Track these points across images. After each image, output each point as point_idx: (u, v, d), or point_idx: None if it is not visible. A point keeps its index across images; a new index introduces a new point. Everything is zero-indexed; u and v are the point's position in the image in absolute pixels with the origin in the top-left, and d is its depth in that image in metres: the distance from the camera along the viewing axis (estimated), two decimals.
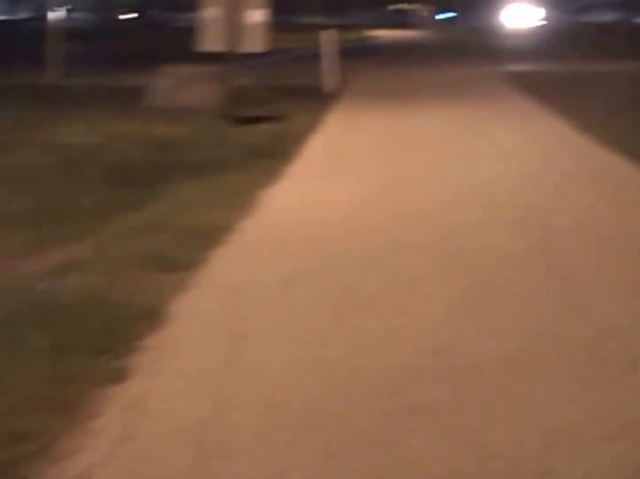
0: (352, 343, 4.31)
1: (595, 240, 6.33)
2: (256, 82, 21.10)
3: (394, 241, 6.38)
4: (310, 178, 8.95)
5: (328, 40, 19.14)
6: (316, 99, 17.23)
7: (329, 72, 19.02)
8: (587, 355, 4.12)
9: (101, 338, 4.25)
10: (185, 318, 4.68)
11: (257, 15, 13.10)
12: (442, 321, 4.62)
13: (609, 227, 6.70)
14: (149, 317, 4.61)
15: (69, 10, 36.57)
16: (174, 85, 16.09)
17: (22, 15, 77.34)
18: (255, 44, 13.11)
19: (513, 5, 74.44)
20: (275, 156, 10.16)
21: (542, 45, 38.50)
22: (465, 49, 37.36)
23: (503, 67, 25.72)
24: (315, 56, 20.56)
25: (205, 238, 6.29)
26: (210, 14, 13.10)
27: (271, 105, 16.00)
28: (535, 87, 18.35)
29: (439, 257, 5.93)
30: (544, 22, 70.91)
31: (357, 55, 32.67)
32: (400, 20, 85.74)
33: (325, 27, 57.50)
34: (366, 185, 8.51)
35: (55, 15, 22.63)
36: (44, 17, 24.44)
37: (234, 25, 12.97)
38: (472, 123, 13.38)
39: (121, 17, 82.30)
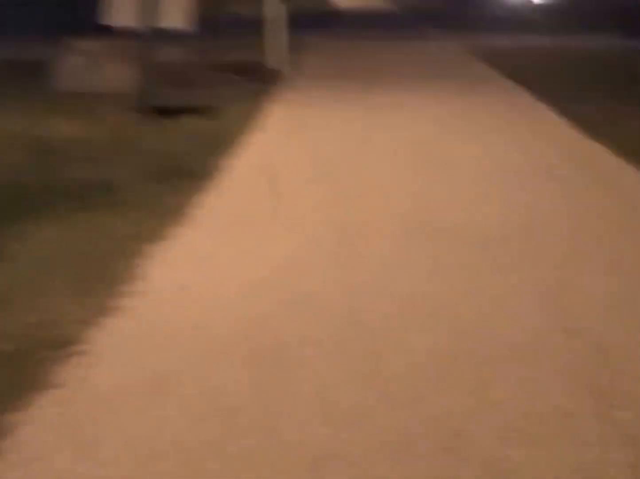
0: None
1: None
2: (189, 57, 18.42)
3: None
4: (229, 225, 6.21)
5: (273, 8, 16.43)
6: (260, 81, 14.59)
7: (275, 47, 16.34)
8: None
9: None
10: None
11: None
12: None
13: None
14: None
15: None
16: (85, 64, 13.37)
17: None
18: (176, 18, 10.40)
19: None
20: (190, 176, 7.52)
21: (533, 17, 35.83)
22: (440, 19, 34.70)
23: (482, 42, 23.11)
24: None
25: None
26: None
27: (203, 90, 13.34)
28: (519, 70, 15.76)
29: None
30: None
31: (315, 26, 29.99)
32: None
33: None
34: (311, 241, 5.76)
35: None
36: None
37: None
38: (453, 121, 10.73)
39: None
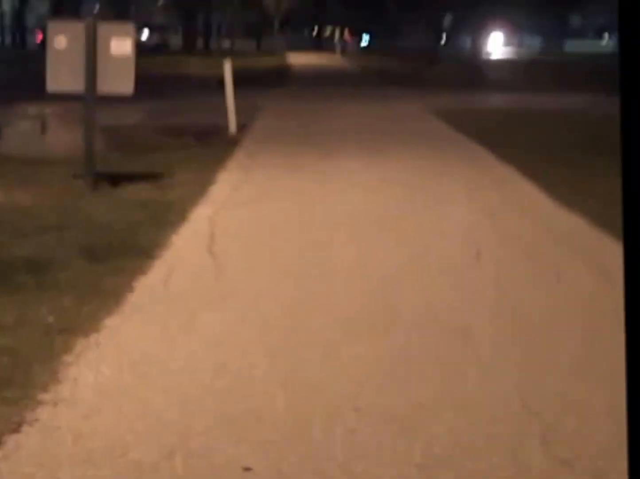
0: None
1: None
2: (147, 120, 18.08)
3: None
4: (167, 315, 5.64)
5: (228, 70, 16.10)
6: (211, 144, 14.21)
7: (230, 109, 16.00)
8: None
9: None
10: None
11: (122, 46, 9.99)
12: None
13: None
14: None
15: None
16: (34, 129, 12.94)
17: None
18: (119, 83, 9.98)
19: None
20: (131, 253, 7.03)
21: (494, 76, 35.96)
22: (396, 79, 34.56)
23: (445, 101, 22.91)
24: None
25: None
26: (59, 45, 9.97)
27: (154, 155, 12.95)
28: (480, 132, 15.48)
29: None
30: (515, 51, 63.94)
31: (272, 85, 29.80)
32: (319, 45, 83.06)
33: (239, 53, 54.81)
34: (257, 340, 5.18)
35: None
36: None
37: (90, 58, 9.87)
38: (415, 190, 10.15)
39: None
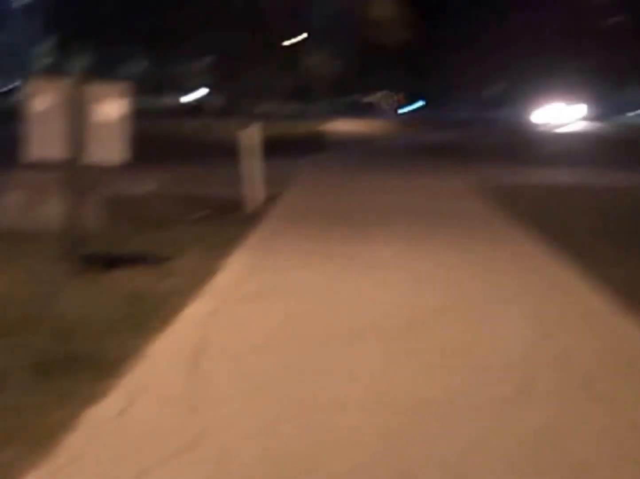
0: None
1: None
2: (165, 189, 16.89)
3: None
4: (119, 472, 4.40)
5: (249, 141, 14.87)
6: (229, 221, 12.94)
7: (250, 180, 14.76)
8: None
9: None
10: None
11: (111, 109, 8.78)
12: None
13: None
14: None
15: None
16: (26, 200, 11.75)
17: None
18: (107, 151, 8.75)
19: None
20: (92, 367, 5.71)
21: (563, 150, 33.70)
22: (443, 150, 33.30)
23: (490, 176, 21.43)
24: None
25: None
26: (40, 107, 8.77)
27: (162, 231, 11.70)
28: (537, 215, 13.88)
29: None
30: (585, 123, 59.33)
31: (309, 152, 28.65)
32: (364, 111, 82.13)
33: (281, 117, 54.00)
34: None
35: None
36: None
37: (75, 123, 8.66)
38: (453, 290, 8.62)
39: None
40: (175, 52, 67.62)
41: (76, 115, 8.58)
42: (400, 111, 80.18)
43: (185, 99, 73.37)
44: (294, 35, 76.30)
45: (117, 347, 6.27)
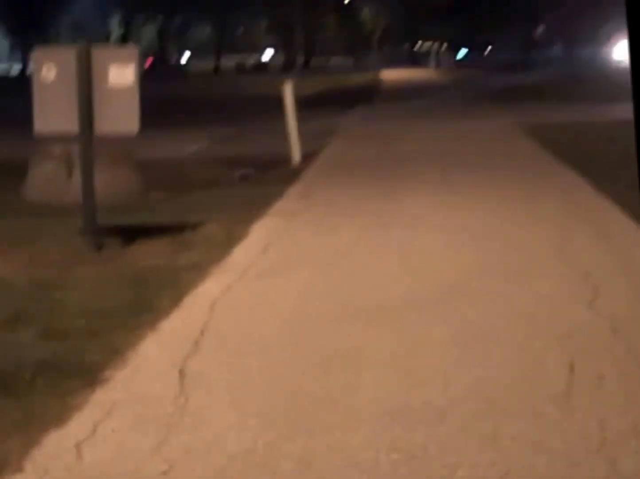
0: None
1: None
2: (207, 149, 15.65)
3: None
4: None
5: (288, 93, 13.51)
6: (266, 180, 11.67)
7: (291, 135, 13.43)
8: None
9: None
10: None
11: (123, 75, 7.48)
12: None
13: None
14: None
15: None
16: (58, 171, 10.55)
17: None
18: (119, 121, 7.48)
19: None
20: (63, 379, 4.42)
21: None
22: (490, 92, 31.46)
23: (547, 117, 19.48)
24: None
25: None
26: (47, 76, 7.52)
27: (195, 195, 10.48)
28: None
29: None
30: None
31: (358, 102, 27.12)
32: (415, 61, 79.82)
33: (335, 70, 52.94)
34: None
35: None
36: None
37: (84, 92, 7.39)
38: (505, 248, 7.32)
39: None
40: (237, 16, 66.27)
41: (85, 84, 7.29)
42: (455, 59, 77.67)
43: (248, 58, 72.12)
44: None
45: (106, 345, 5.02)
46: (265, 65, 68.69)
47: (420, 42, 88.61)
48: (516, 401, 4.05)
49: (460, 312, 5.46)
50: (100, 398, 4.29)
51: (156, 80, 40.29)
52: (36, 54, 7.68)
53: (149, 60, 67.43)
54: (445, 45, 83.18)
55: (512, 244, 7.40)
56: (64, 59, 7.42)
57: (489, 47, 78.30)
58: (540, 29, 67.77)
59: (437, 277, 6.37)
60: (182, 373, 4.61)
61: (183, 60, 79.49)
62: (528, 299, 5.74)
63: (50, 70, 7.45)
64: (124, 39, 61.71)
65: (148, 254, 7.37)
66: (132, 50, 7.65)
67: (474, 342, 4.90)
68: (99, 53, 7.43)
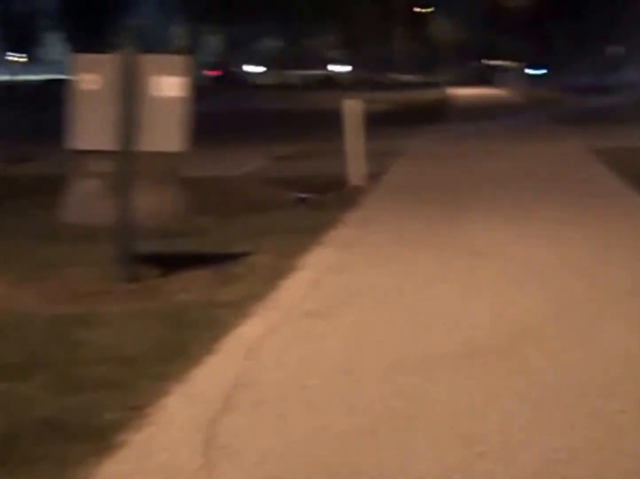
0: None
1: None
2: (264, 168, 15.08)
3: None
4: None
5: (353, 114, 12.85)
6: (323, 203, 11.00)
7: (354, 155, 12.76)
8: None
9: None
10: None
11: (170, 87, 6.88)
12: None
13: None
14: None
15: None
16: (97, 190, 9.93)
17: None
18: (162, 137, 6.88)
19: None
20: (69, 445, 3.82)
21: None
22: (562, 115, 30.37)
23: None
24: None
25: None
26: (87, 90, 6.95)
27: (245, 220, 9.87)
28: None
29: None
30: None
31: (426, 121, 26.41)
32: (485, 79, 78.63)
33: (405, 86, 52.28)
34: None
35: None
36: None
37: (128, 107, 6.81)
38: (581, 291, 6.64)
39: None
40: (305, 29, 66.03)
41: (127, 96, 6.71)
42: (526, 77, 76.21)
43: (316, 72, 71.80)
44: (422, 7, 73.70)
45: (125, 401, 4.41)
46: (332, 79, 68.24)
47: (493, 60, 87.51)
48: None
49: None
50: (109, 471, 3.66)
51: (222, 92, 39.99)
52: (75, 62, 7.10)
53: (217, 71, 67.52)
54: (520, 64, 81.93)
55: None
56: (107, 68, 6.85)
57: (566, 69, 76.83)
58: (618, 51, 66.33)
59: (506, 319, 5.64)
60: (207, 438, 3.97)
61: (250, 72, 79.50)
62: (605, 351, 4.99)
63: (90, 80, 6.89)
64: (188, 49, 61.73)
65: (186, 287, 6.75)
66: (182, 60, 7.00)
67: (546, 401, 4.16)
68: (145, 62, 6.83)
